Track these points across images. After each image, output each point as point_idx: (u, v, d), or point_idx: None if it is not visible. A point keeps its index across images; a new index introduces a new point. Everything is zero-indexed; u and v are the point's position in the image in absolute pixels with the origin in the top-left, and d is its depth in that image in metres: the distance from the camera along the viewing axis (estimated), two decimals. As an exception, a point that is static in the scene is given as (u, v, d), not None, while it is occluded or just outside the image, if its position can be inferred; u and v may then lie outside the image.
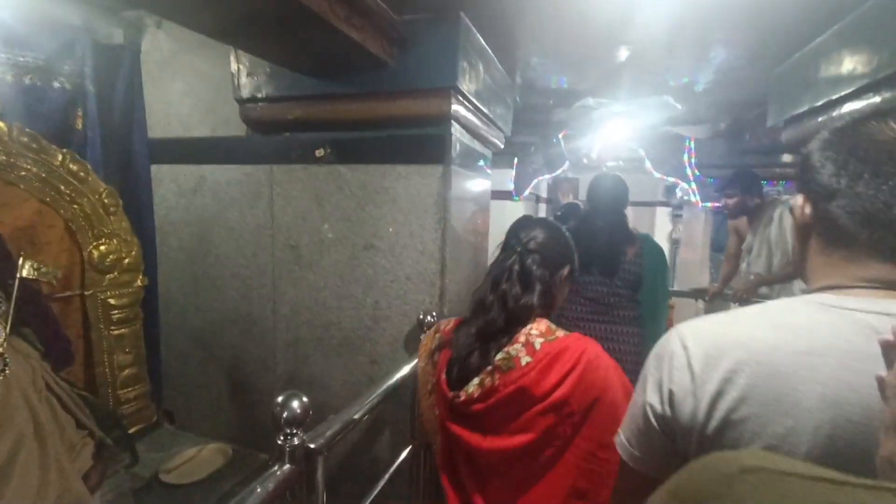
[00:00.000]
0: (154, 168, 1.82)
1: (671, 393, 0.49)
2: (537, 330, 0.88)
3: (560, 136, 3.00)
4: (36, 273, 1.25)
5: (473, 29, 1.40)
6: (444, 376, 0.98)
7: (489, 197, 1.95)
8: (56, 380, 1.27)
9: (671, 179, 2.92)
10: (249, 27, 0.96)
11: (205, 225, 1.78)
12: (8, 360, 1.14)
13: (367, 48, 1.11)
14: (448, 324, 1.17)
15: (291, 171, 1.60)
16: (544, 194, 4.76)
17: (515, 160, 3.44)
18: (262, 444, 1.79)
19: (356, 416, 1.03)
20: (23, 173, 1.28)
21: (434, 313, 1.41)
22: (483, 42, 1.51)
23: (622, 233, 1.74)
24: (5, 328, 1.16)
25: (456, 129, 1.43)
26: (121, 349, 1.51)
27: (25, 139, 1.27)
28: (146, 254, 1.79)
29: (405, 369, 1.31)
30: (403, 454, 1.29)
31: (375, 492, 1.14)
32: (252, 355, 1.76)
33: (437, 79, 1.30)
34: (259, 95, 1.51)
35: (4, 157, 1.24)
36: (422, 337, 1.38)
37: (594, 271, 1.69)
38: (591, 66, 1.89)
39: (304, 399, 0.82)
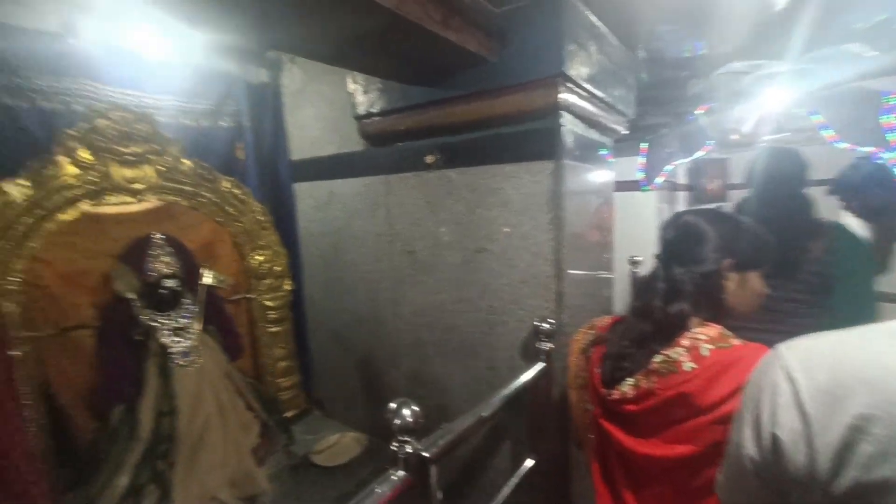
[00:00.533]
0: (295, 186, 2.09)
1: (776, 439, 0.39)
2: (706, 335, 0.81)
3: (699, 111, 2.58)
4: (215, 281, 1.53)
5: (580, 5, 1.27)
6: (597, 371, 0.97)
7: (612, 189, 1.76)
8: (232, 369, 1.54)
9: (865, 149, 2.27)
10: (356, 47, 1.02)
11: (336, 234, 1.98)
12: (200, 351, 1.42)
13: (466, 48, 1.08)
14: (603, 321, 1.13)
15: (405, 179, 1.67)
16: (683, 181, 4.18)
17: (644, 145, 3.07)
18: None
19: (471, 426, 1.01)
20: (202, 199, 1.58)
21: (551, 320, 1.32)
22: (594, 19, 1.36)
23: (802, 223, 1.37)
24: (198, 326, 1.44)
25: (567, 119, 1.31)
26: (276, 345, 1.77)
27: (203, 172, 1.57)
28: (292, 262, 2.07)
29: (523, 378, 1.25)
30: (523, 467, 1.24)
31: (493, 504, 1.11)
32: (380, 354, 1.89)
33: (540, 68, 1.21)
34: (373, 111, 1.61)
35: (191, 188, 1.54)
36: (539, 344, 1.30)
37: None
38: (736, 23, 1.57)
39: (416, 408, 0.83)
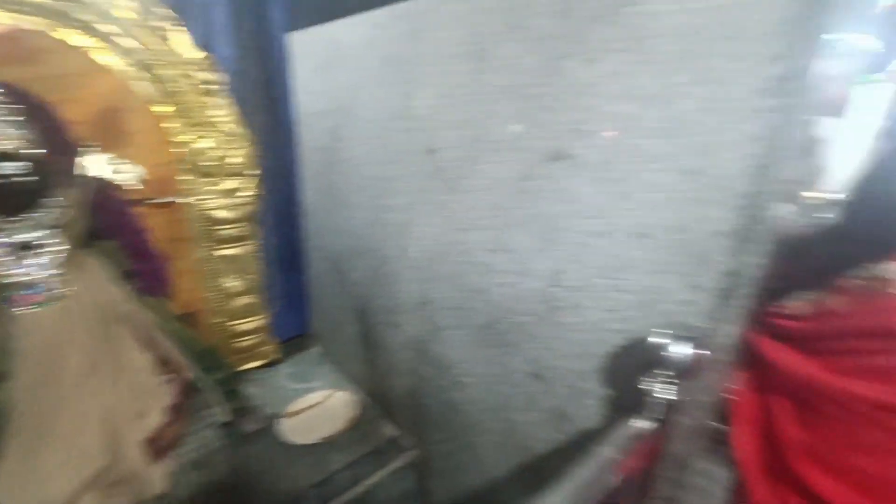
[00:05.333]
0: (292, 37, 1.37)
1: None
2: None
3: None
4: (113, 172, 0.95)
5: None
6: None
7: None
8: (137, 308, 1.01)
9: None
10: None
11: (339, 115, 1.27)
12: (66, 283, 0.89)
13: None
14: None
15: (441, 6, 0.86)
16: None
17: None
18: (387, 410, 1.38)
19: None
20: (83, 25, 0.93)
21: (695, 329, 0.55)
22: None
23: None
24: (66, 242, 0.90)
25: None
26: (231, 273, 1.22)
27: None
28: (284, 154, 1.44)
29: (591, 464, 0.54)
30: None
31: None
32: (380, 302, 1.28)
33: None
34: None
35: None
36: (652, 386, 0.57)
37: None
38: None
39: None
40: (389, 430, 1.33)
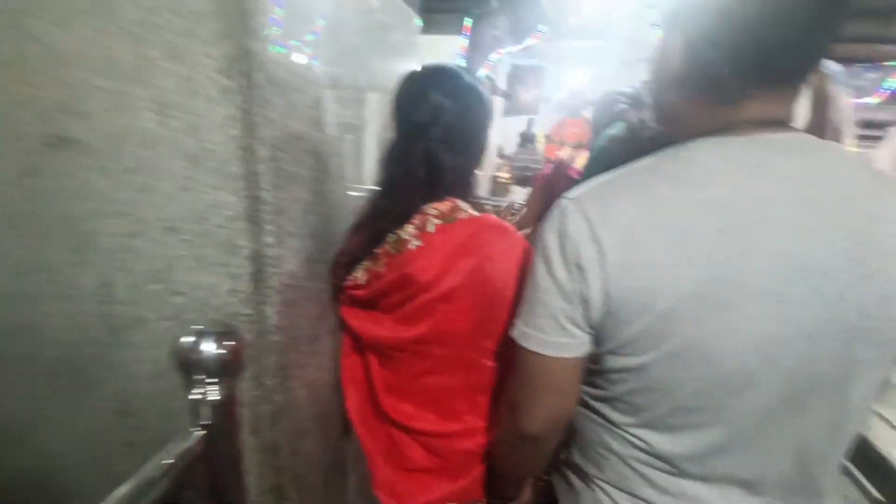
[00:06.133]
0: None
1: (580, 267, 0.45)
2: (437, 210, 0.70)
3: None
4: None
5: None
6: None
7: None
8: None
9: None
10: None
11: None
12: None
13: None
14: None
15: None
16: (503, 85, 3.70)
17: (469, 22, 2.33)
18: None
19: None
20: None
21: (229, 328, 0.52)
22: None
23: None
24: None
25: None
26: None
27: None
28: None
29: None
30: None
31: None
32: None
33: None
34: None
35: None
36: (195, 393, 0.52)
37: None
38: None
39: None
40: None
